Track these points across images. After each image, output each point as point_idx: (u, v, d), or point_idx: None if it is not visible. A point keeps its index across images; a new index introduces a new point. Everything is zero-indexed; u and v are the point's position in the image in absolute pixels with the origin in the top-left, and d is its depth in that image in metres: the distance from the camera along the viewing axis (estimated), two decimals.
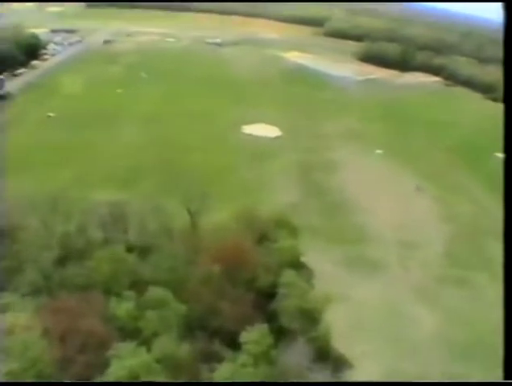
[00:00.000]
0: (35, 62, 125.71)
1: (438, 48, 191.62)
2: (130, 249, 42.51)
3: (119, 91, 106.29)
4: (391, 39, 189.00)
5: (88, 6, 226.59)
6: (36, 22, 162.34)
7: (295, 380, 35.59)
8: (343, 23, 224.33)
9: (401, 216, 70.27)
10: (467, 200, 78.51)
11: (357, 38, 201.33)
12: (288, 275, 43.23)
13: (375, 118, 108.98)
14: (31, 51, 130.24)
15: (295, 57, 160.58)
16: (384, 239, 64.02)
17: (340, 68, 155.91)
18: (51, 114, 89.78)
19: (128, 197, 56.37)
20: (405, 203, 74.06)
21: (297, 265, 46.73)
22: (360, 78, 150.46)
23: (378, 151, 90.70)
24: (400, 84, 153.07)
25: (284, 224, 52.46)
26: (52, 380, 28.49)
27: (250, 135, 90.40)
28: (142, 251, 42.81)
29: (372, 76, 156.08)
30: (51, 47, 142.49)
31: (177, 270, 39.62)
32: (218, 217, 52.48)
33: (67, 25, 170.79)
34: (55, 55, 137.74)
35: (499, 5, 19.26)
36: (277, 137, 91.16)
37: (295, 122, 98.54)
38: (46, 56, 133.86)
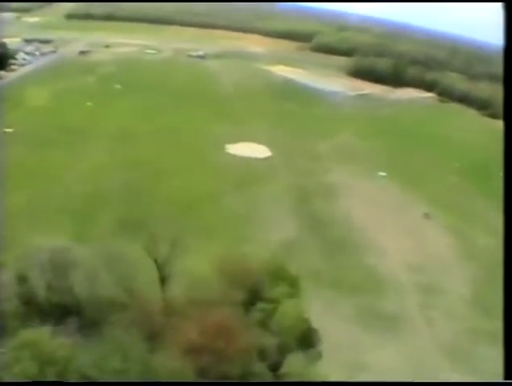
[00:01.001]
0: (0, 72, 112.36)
1: (428, 64, 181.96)
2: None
3: (89, 104, 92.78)
4: (380, 53, 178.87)
5: (68, 16, 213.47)
6: (11, 32, 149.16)
7: None
8: (330, 38, 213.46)
9: (415, 253, 57.85)
10: (485, 230, 65.88)
11: (345, 53, 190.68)
12: (295, 362, 30.06)
13: (372, 135, 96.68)
14: None
15: (282, 71, 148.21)
16: (399, 283, 51.49)
17: (329, 83, 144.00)
18: (8, 130, 76.17)
19: (80, 237, 44.01)
20: (417, 235, 61.77)
21: (305, 340, 33.75)
22: (351, 93, 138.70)
23: (382, 173, 78.43)
24: (393, 100, 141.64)
25: (281, 275, 39.58)
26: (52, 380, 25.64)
27: (235, 156, 76.86)
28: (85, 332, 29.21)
29: (364, 92, 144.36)
30: (20, 56, 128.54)
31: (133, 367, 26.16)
32: (196, 266, 39.81)
33: (44, 35, 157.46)
34: (25, 65, 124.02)
35: (499, 5, 18.32)
36: (266, 158, 77.77)
37: (285, 141, 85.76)
38: (14, 67, 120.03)
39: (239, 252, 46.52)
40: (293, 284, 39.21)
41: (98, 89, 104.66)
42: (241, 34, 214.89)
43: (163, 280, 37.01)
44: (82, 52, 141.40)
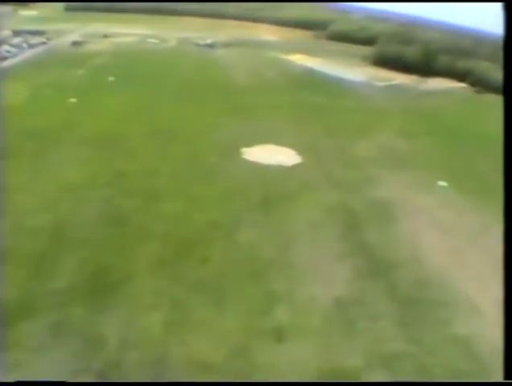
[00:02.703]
0: None
1: (456, 52, 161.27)
2: None
3: (72, 100, 72.88)
4: (404, 42, 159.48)
5: (67, 9, 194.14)
6: (3, 25, 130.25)
7: None
8: (347, 26, 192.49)
9: None
10: None
11: (364, 41, 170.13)
12: None
13: (416, 134, 76.35)
14: None
15: (300, 60, 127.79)
16: None
17: (353, 73, 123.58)
18: None
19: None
20: None
21: None
22: (380, 84, 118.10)
23: (442, 183, 58.48)
24: (426, 91, 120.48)
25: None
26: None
27: (255, 164, 55.27)
28: None
29: (393, 82, 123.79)
30: (3, 49, 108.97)
31: None
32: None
33: (39, 27, 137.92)
34: (7, 58, 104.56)
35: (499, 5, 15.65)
36: (296, 166, 56.22)
37: (315, 142, 65.64)
38: None
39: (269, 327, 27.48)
40: None
41: (87, 83, 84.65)
42: (251, 24, 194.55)
43: None
44: (75, 43, 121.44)
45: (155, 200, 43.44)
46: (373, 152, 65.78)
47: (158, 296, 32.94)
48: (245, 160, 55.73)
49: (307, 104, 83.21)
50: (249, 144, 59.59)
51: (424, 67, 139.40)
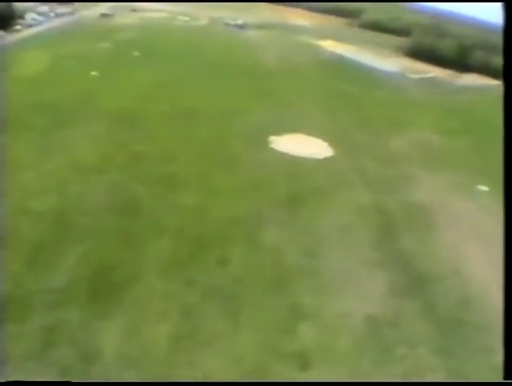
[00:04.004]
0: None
1: (489, 48, 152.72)
2: None
3: (94, 74, 68.28)
4: (438, 34, 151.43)
5: None
6: None
7: None
8: (380, 15, 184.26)
9: None
10: None
11: (398, 31, 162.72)
12: None
13: (454, 131, 70.03)
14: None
15: (332, 47, 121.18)
16: None
17: (386, 63, 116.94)
18: None
19: None
20: None
21: None
22: (414, 76, 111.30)
23: (482, 187, 52.65)
24: (462, 86, 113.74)
25: None
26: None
27: (284, 155, 49.37)
28: None
29: (428, 75, 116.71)
30: (29, 16, 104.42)
31: None
32: None
33: None
34: (33, 26, 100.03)
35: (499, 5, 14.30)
36: (327, 160, 50.55)
37: (348, 133, 59.98)
38: (18, 27, 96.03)
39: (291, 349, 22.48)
40: None
41: (111, 57, 79.71)
42: (284, 7, 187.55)
43: None
44: (103, 15, 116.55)
45: (172, 189, 38.42)
46: (409, 148, 60.05)
47: (167, 302, 28.11)
48: (273, 150, 50.37)
49: (339, 93, 77.30)
50: (278, 132, 54.17)
51: (459, 62, 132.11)
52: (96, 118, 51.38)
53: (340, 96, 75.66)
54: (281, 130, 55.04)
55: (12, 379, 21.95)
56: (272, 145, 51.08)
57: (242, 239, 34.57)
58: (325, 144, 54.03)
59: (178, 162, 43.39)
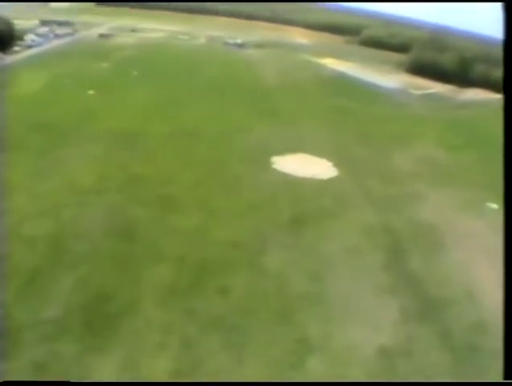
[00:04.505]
0: None
1: (490, 61, 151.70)
2: None
3: (91, 92, 67.29)
4: (438, 49, 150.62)
5: (98, 4, 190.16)
6: (32, 16, 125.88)
7: None
8: (379, 32, 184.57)
9: None
10: None
11: (398, 48, 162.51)
12: None
13: (459, 147, 68.91)
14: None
15: (332, 64, 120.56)
16: None
17: (387, 79, 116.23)
18: None
19: None
20: None
21: None
22: (416, 92, 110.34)
23: (491, 205, 51.00)
24: (465, 101, 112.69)
25: None
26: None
27: (287, 176, 47.48)
28: None
29: (429, 91, 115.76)
30: (29, 37, 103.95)
31: None
32: None
33: (69, 19, 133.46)
34: (33, 47, 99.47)
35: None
36: (332, 180, 48.54)
37: (351, 151, 58.56)
38: (17, 48, 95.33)
39: None
40: None
41: (109, 76, 78.88)
42: (282, 26, 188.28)
43: None
44: (102, 35, 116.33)
45: (170, 212, 36.79)
46: (414, 165, 58.60)
47: (166, 334, 26.31)
48: (276, 170, 48.81)
49: (341, 110, 76.07)
50: (280, 152, 52.70)
51: (460, 76, 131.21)
52: (92, 138, 50.08)
53: (342, 113, 74.49)
54: (283, 150, 53.68)
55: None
56: (274, 166, 49.65)
57: (245, 264, 32.89)
58: (329, 163, 52.61)
59: (177, 184, 41.87)
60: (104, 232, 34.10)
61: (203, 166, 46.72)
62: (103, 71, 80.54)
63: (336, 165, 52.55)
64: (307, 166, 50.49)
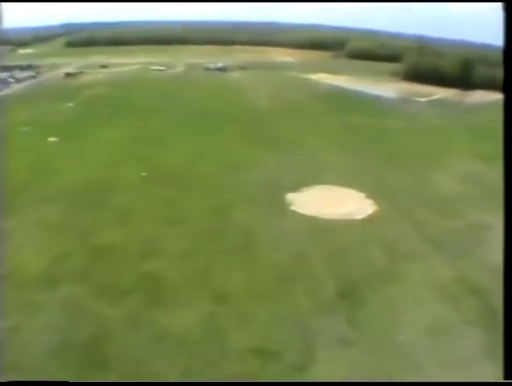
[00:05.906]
0: None
1: (488, 63, 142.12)
2: None
3: (52, 139, 54.96)
4: (433, 55, 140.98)
5: (68, 44, 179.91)
6: None
7: None
8: (365, 44, 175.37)
9: None
10: None
11: (385, 58, 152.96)
12: None
13: (493, 156, 56.69)
14: None
15: (325, 79, 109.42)
16: None
17: (387, 89, 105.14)
18: None
19: None
20: None
21: None
22: (421, 100, 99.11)
23: None
24: (473, 105, 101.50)
25: None
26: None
27: (312, 219, 34.86)
28: None
29: (434, 97, 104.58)
30: None
31: None
32: None
33: (34, 62, 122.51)
34: None
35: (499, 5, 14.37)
36: (372, 218, 35.45)
37: (382, 177, 46.36)
38: None
39: None
40: None
41: (75, 117, 66.70)
42: (262, 48, 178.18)
43: None
44: (68, 74, 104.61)
45: (155, 304, 23.91)
46: (459, 184, 46.23)
47: None
48: (296, 213, 35.92)
49: (351, 127, 63.98)
50: (295, 187, 40.04)
51: (462, 79, 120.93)
52: (48, 198, 37.36)
53: (353, 131, 62.54)
54: (297, 184, 41.17)
55: None
56: (293, 207, 36.85)
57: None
58: (361, 195, 40.09)
59: (162, 257, 28.95)
60: (53, 355, 21.09)
61: (197, 222, 33.89)
62: (68, 113, 68.43)
63: (370, 196, 40.03)
64: (334, 203, 37.90)
